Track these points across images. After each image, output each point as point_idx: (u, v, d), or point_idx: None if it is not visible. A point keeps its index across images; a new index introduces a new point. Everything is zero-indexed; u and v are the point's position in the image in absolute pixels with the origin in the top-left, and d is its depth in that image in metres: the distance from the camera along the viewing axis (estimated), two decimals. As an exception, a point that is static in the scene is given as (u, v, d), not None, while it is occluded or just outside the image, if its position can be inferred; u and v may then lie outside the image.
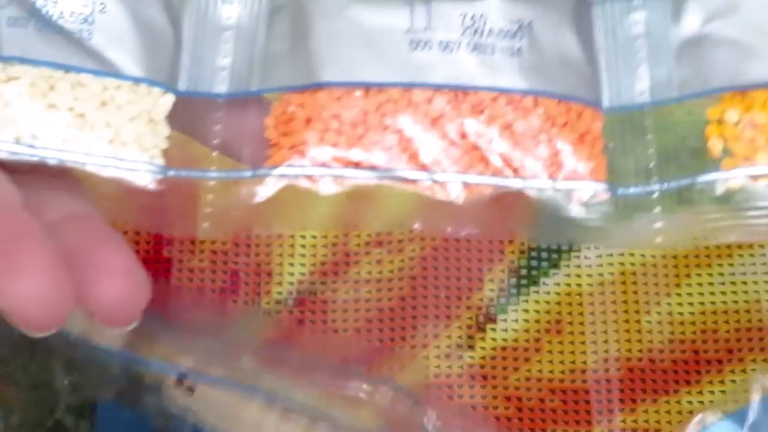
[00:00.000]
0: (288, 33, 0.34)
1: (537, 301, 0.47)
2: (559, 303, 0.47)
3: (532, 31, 0.34)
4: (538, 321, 0.47)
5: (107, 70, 0.33)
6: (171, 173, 0.33)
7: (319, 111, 0.33)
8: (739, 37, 0.33)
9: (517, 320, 0.47)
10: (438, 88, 0.33)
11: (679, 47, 0.34)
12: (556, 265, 0.48)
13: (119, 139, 0.33)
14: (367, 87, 0.33)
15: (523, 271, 0.48)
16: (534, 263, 0.48)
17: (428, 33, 0.33)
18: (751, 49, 0.33)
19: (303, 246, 0.48)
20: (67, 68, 0.33)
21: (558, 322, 0.47)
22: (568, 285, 0.47)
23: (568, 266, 0.48)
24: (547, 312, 0.47)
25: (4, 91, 0.32)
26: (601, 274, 0.48)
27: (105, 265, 0.29)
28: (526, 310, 0.48)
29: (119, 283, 0.29)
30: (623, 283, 0.47)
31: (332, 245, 0.48)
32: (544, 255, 0.48)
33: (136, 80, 0.33)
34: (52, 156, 0.32)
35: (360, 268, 0.48)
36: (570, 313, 0.47)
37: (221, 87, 0.34)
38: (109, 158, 0.32)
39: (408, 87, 0.33)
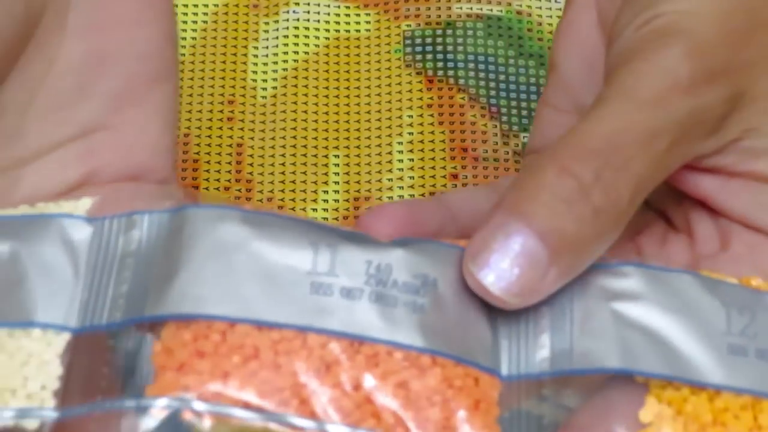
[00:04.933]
0: (185, 257, 0.33)
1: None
2: None
3: (437, 288, 0.33)
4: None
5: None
6: (57, 415, 0.32)
7: (210, 343, 0.32)
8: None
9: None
10: (334, 334, 0.32)
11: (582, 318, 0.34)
12: None
13: (8, 387, 0.32)
14: (260, 325, 0.32)
15: None
16: None
17: (331, 278, 0.33)
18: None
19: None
20: None
21: None
22: None
23: None
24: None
25: None
26: None
27: None
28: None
29: None
30: None
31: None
32: None
33: (30, 325, 0.33)
34: None
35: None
36: None
37: (117, 315, 0.33)
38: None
39: (303, 330, 0.32)
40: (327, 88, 0.54)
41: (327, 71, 0.54)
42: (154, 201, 0.35)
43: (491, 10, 0.55)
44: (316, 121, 0.53)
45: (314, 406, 0.31)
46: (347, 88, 0.54)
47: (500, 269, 0.33)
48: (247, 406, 0.31)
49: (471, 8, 0.56)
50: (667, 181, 0.37)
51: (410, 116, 0.53)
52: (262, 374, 0.32)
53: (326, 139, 0.52)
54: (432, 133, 0.52)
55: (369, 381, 0.32)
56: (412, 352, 0.32)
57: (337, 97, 0.54)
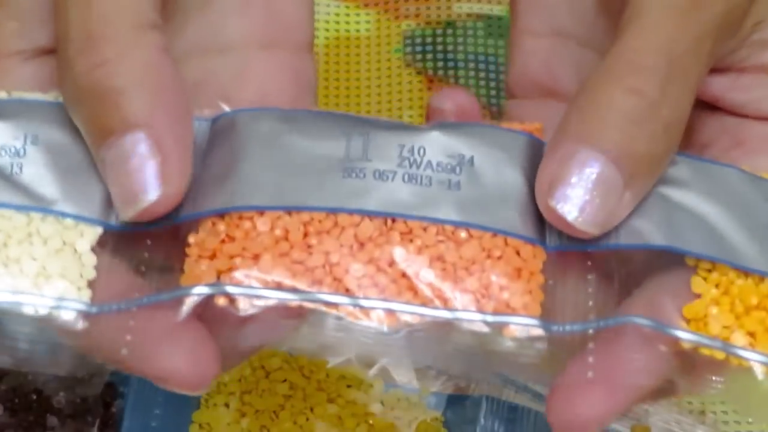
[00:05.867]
0: (222, 158, 0.33)
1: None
2: None
3: (473, 166, 0.33)
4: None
5: (35, 204, 0.32)
6: (95, 309, 0.32)
7: (241, 230, 0.32)
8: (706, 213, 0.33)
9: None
10: (367, 213, 0.32)
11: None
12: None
13: (43, 272, 0.32)
14: (291, 210, 0.32)
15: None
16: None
17: (364, 162, 0.33)
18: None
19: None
20: None
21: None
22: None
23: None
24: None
25: None
26: None
27: None
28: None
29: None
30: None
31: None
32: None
33: (65, 215, 0.33)
34: None
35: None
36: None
37: None
38: (35, 295, 0.31)
39: (335, 211, 0.32)
40: (327, 87, 0.54)
41: (327, 71, 0.54)
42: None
43: (491, 10, 0.55)
44: (316, 121, 0.53)
45: (348, 283, 0.31)
46: (347, 88, 0.54)
47: (580, 201, 0.32)
48: (279, 286, 0.31)
49: (471, 8, 0.56)
50: None
51: (410, 116, 0.53)
52: (294, 254, 0.31)
53: (326, 139, 0.52)
54: (432, 133, 0.52)
55: (404, 256, 0.32)
56: (448, 226, 0.32)
57: (337, 96, 0.54)
